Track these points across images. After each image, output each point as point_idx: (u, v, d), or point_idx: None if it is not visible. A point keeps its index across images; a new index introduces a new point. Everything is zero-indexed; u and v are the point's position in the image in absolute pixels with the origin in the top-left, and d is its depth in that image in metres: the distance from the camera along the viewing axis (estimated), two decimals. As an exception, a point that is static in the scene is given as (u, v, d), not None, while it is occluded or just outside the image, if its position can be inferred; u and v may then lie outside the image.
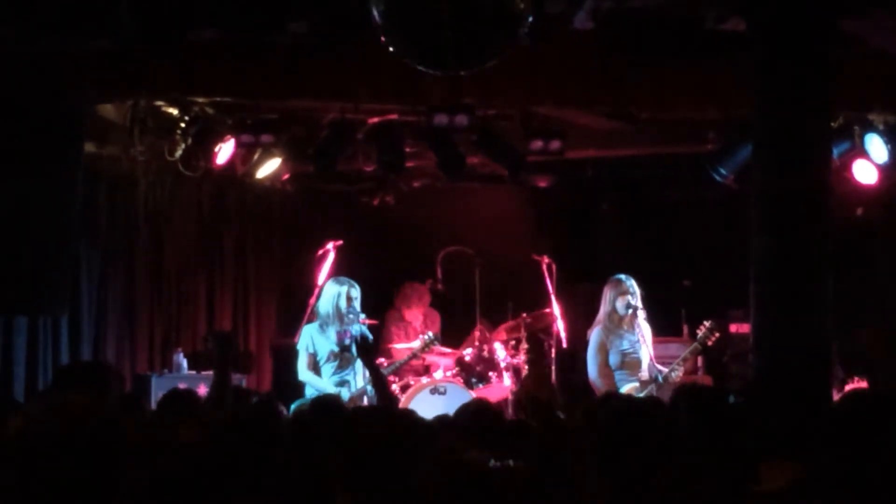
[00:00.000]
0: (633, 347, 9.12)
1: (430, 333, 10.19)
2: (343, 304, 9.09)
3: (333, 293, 9.15)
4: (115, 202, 10.53)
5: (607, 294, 9.24)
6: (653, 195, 12.57)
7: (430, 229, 12.06)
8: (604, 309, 9.25)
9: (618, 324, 9.17)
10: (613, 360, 9.12)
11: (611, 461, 3.74)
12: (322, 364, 9.14)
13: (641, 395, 8.77)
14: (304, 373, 9.17)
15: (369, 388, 8.96)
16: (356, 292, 9.14)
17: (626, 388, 8.95)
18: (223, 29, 7.66)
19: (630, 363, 9.11)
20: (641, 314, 9.15)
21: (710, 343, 9.18)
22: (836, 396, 7.41)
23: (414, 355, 10.08)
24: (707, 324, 9.15)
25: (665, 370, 9.00)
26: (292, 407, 8.73)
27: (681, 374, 9.03)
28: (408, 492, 3.16)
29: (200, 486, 3.76)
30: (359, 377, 9.07)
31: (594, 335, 9.22)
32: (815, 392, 6.81)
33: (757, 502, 3.57)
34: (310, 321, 9.40)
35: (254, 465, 4.35)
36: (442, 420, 5.53)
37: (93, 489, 2.79)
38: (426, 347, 10.01)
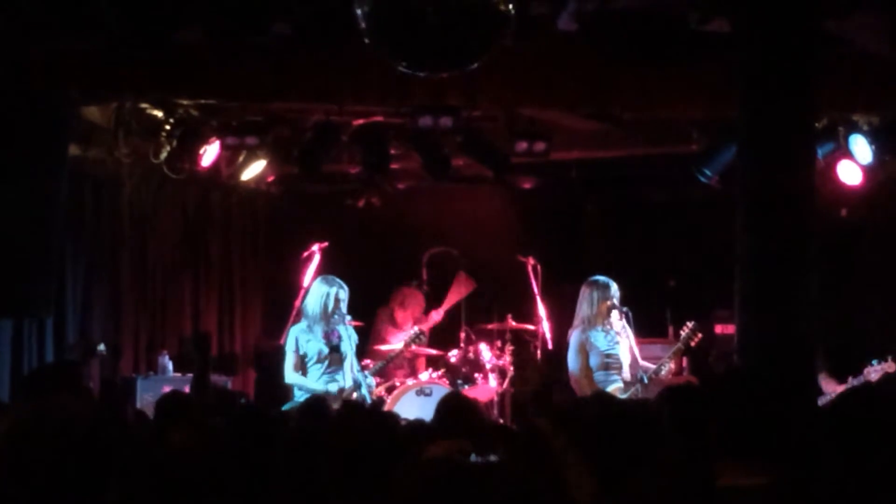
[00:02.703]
0: (614, 348, 9.11)
1: (416, 328, 10.19)
2: (331, 304, 9.06)
3: (322, 293, 9.11)
4: (100, 204, 10.50)
5: (586, 294, 9.22)
6: (638, 196, 12.59)
7: (416, 230, 12.06)
8: (583, 310, 9.22)
9: (597, 325, 9.15)
10: (594, 360, 9.09)
11: (595, 459, 3.75)
12: (311, 365, 9.09)
13: (625, 395, 8.78)
14: (290, 375, 9.09)
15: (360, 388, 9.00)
16: (344, 294, 9.11)
17: (610, 388, 8.92)
18: (208, 30, 7.65)
19: (611, 364, 9.10)
20: (617, 314, 9.13)
21: (693, 343, 9.18)
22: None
23: (395, 356, 10.08)
24: (690, 324, 9.17)
25: (650, 369, 9.00)
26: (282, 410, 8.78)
27: (664, 373, 9.03)
28: (391, 493, 3.16)
29: (191, 490, 3.76)
30: (348, 377, 9.05)
31: (574, 336, 9.20)
32: (799, 391, 6.82)
33: (733, 498, 3.57)
34: (296, 322, 9.37)
35: (245, 468, 4.34)
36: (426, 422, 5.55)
37: (83, 492, 2.78)
38: (411, 343, 10.00)
